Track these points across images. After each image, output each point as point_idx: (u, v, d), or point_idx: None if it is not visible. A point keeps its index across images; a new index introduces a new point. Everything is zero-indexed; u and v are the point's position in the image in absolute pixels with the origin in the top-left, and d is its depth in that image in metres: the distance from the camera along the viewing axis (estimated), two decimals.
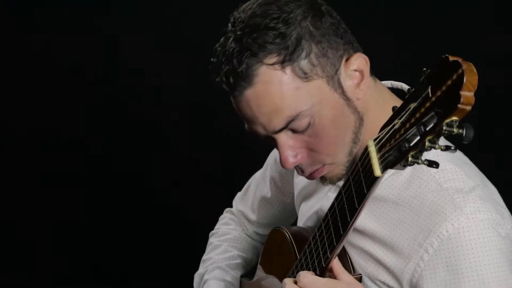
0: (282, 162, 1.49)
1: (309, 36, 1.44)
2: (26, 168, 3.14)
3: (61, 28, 3.05)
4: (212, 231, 2.05)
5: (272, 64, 1.42)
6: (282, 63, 1.43)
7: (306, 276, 1.43)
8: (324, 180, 1.54)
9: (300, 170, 1.52)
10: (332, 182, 1.54)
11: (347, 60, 1.48)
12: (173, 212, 3.11)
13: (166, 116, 3.07)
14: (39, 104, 3.10)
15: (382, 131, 1.28)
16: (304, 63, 1.44)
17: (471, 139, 1.14)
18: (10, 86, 3.11)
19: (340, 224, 1.41)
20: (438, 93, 1.15)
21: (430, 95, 1.16)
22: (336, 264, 1.45)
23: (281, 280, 1.68)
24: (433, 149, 1.18)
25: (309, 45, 1.44)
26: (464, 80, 1.11)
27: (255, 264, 1.95)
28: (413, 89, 1.22)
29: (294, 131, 1.47)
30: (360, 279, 1.55)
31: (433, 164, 1.21)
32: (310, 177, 1.53)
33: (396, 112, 1.25)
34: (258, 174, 1.98)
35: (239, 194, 2.04)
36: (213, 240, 2.02)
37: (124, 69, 3.06)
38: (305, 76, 1.44)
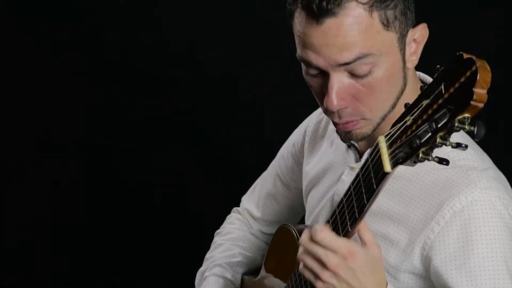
0: (328, 101, 1.48)
1: None
2: (26, 168, 3.14)
3: (61, 28, 3.05)
4: (218, 230, 2.05)
5: (363, 4, 1.43)
6: (371, 6, 1.44)
7: (323, 231, 1.40)
8: (349, 135, 1.53)
9: (337, 116, 1.51)
10: (357, 138, 1.54)
11: (413, 27, 1.50)
12: (174, 212, 3.11)
13: (167, 116, 3.07)
14: (39, 104, 3.09)
15: (394, 127, 1.28)
16: (389, 13, 1.45)
17: (483, 136, 1.16)
18: (10, 86, 3.10)
19: (348, 220, 1.41)
20: (451, 90, 1.16)
21: (443, 91, 1.17)
22: (362, 224, 1.43)
23: (286, 278, 1.69)
24: (444, 146, 1.20)
25: None
26: (478, 77, 1.12)
27: (258, 263, 1.95)
28: (426, 86, 1.23)
29: (352, 74, 1.47)
30: None
31: (443, 161, 1.22)
32: (343, 127, 1.52)
33: (408, 108, 1.26)
34: (264, 173, 1.99)
35: (246, 193, 2.04)
36: (216, 239, 2.02)
37: (124, 69, 3.06)
38: (386, 25, 1.45)
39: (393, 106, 1.51)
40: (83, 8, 3.04)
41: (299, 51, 1.50)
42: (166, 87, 3.06)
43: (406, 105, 1.28)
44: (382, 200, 1.55)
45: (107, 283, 3.16)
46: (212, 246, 2.01)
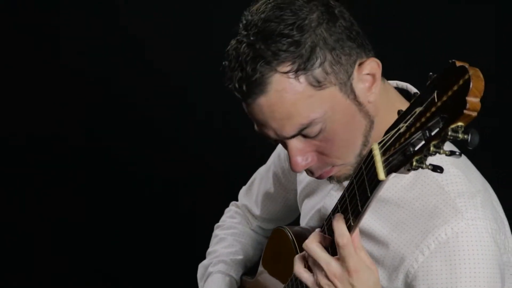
0: (292, 166, 1.48)
1: (323, 43, 1.42)
2: (26, 168, 3.14)
3: (61, 28, 3.05)
4: (218, 224, 2.05)
5: (286, 73, 1.40)
6: (296, 71, 1.40)
7: (334, 266, 1.39)
8: (331, 179, 1.54)
9: (310, 172, 1.51)
10: (340, 180, 1.53)
11: (360, 64, 1.46)
12: (174, 212, 3.12)
13: (167, 116, 3.07)
14: (39, 104, 3.09)
15: (387, 135, 1.27)
16: (317, 72, 1.42)
17: (476, 144, 1.14)
18: (9, 86, 3.10)
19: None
20: (444, 98, 1.15)
21: (436, 100, 1.16)
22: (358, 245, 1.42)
23: (283, 281, 1.69)
24: (437, 154, 1.18)
25: (323, 53, 1.42)
26: (471, 86, 1.11)
27: (255, 260, 1.96)
28: (419, 93, 1.22)
29: (305, 136, 1.45)
30: None
31: (437, 168, 1.21)
32: (319, 177, 1.52)
33: (402, 115, 1.25)
34: (262, 169, 1.98)
35: (244, 188, 2.04)
36: (218, 232, 2.02)
37: (124, 69, 3.06)
38: (318, 85, 1.42)
39: (365, 143, 1.48)
40: (83, 8, 3.04)
41: (255, 127, 1.50)
42: (166, 87, 3.06)
43: (399, 112, 1.27)
44: (370, 222, 1.54)
45: (107, 283, 3.17)
46: (214, 239, 2.01)
